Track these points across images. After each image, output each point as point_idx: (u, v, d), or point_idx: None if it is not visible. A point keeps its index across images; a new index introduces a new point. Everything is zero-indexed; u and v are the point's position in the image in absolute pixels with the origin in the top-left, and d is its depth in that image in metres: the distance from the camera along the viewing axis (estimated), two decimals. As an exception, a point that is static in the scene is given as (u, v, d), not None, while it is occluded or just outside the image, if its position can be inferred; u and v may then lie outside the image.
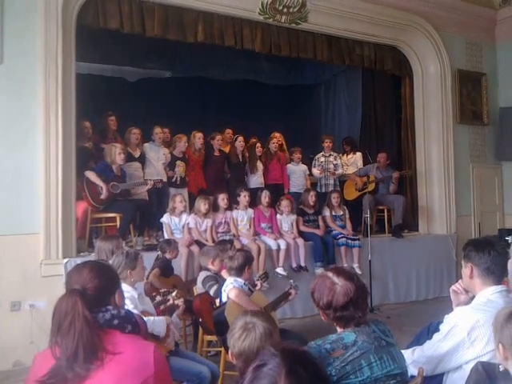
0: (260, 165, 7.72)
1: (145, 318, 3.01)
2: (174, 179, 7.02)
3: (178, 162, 7.07)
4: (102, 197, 6.02)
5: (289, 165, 8.10)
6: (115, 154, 6.25)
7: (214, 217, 6.47)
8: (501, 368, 1.97)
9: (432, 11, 8.35)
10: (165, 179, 6.90)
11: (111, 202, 6.13)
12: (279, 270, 6.48)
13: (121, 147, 6.40)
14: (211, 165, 7.43)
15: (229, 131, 8.31)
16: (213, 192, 6.84)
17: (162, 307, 3.64)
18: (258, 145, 7.75)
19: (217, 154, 7.51)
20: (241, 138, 7.63)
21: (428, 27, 8.36)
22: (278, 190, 7.57)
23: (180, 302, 3.68)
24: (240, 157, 7.64)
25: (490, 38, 9.20)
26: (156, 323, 3.28)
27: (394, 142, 9.46)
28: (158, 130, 7.07)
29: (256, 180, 7.63)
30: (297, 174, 8.08)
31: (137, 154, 6.85)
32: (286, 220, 6.94)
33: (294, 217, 7.00)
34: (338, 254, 6.97)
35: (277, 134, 8.19)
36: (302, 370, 1.19)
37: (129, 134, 6.88)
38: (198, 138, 7.28)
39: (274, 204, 6.98)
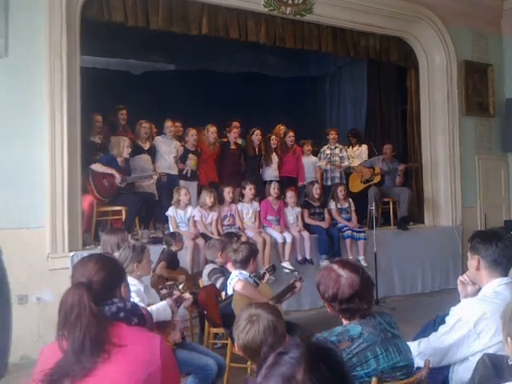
0: (275, 157, 7.72)
1: (148, 309, 3.03)
2: (184, 172, 7.04)
3: (190, 155, 7.09)
4: (117, 181, 6.05)
5: (301, 158, 8.11)
6: (123, 146, 6.28)
7: (220, 210, 6.47)
8: (510, 361, 1.96)
9: (438, 2, 8.28)
10: (176, 172, 6.94)
11: (116, 195, 6.15)
12: (285, 264, 6.48)
13: (129, 141, 6.43)
14: (228, 158, 7.46)
15: (236, 124, 8.29)
16: (225, 185, 6.84)
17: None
18: (273, 137, 7.74)
19: (233, 147, 7.54)
20: (258, 132, 7.61)
21: (434, 18, 8.29)
22: (291, 183, 7.57)
23: (188, 294, 3.68)
24: (257, 150, 7.64)
25: (496, 28, 9.13)
26: (160, 310, 3.30)
27: (399, 134, 9.43)
28: (169, 123, 7.09)
29: (271, 173, 7.64)
30: (307, 166, 8.09)
31: (146, 146, 6.87)
32: (292, 212, 6.94)
33: (298, 209, 7.00)
34: (343, 247, 6.97)
35: (281, 127, 8.15)
36: (323, 367, 1.14)
37: (139, 127, 6.89)
38: (212, 131, 7.29)
39: (280, 197, 6.97)
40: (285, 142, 7.91)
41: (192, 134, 7.15)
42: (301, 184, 7.83)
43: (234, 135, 7.54)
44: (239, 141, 7.86)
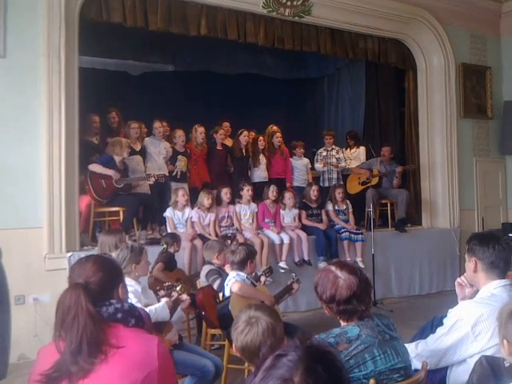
0: (263, 158, 7.70)
1: (147, 309, 3.03)
2: (174, 173, 7.02)
3: (180, 157, 7.07)
4: (115, 182, 6.04)
5: (290, 159, 8.09)
6: (125, 146, 6.31)
7: (217, 211, 6.47)
8: (506, 364, 1.96)
9: (436, 4, 8.30)
10: (166, 173, 6.90)
11: (114, 195, 6.15)
12: (281, 264, 6.47)
13: (128, 142, 6.45)
14: (214, 159, 7.43)
15: (226, 124, 8.27)
16: (216, 186, 6.84)
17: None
18: (261, 138, 7.72)
19: (219, 147, 7.51)
20: (245, 133, 7.59)
21: (432, 20, 8.30)
22: (281, 185, 7.54)
23: (185, 296, 3.68)
24: (244, 151, 7.61)
25: (495, 31, 9.14)
26: (158, 311, 3.31)
27: (397, 136, 9.43)
28: (157, 124, 7.07)
29: (260, 174, 7.61)
30: (299, 168, 8.07)
31: (137, 147, 6.86)
32: (289, 214, 6.93)
33: (296, 211, 7.00)
34: (341, 248, 6.97)
35: (275, 128, 8.14)
36: (321, 370, 1.13)
37: (128, 128, 6.89)
38: (200, 132, 7.26)
39: (278, 199, 6.95)
40: (272, 143, 7.87)
41: (179, 135, 7.13)
42: (288, 185, 7.80)
43: (220, 136, 7.49)
44: (227, 141, 7.83)
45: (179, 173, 7.05)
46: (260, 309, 2.15)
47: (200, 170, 7.26)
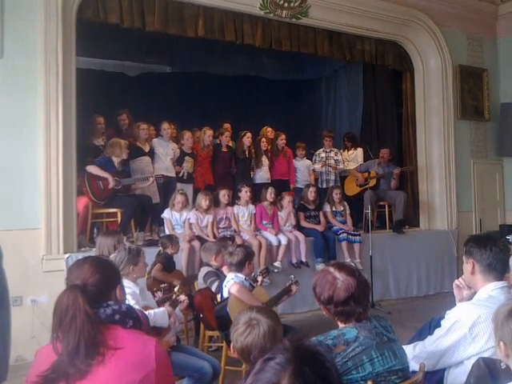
0: (266, 160, 7.71)
1: (145, 312, 3.01)
2: (181, 174, 7.03)
3: (187, 158, 7.10)
4: (110, 186, 6.03)
5: (293, 160, 8.10)
6: (124, 147, 6.30)
7: (215, 212, 6.46)
8: (502, 365, 1.96)
9: (433, 6, 8.33)
10: (173, 174, 6.93)
11: (112, 197, 6.13)
12: (276, 264, 6.47)
13: (126, 143, 6.43)
14: (219, 161, 7.46)
15: (227, 126, 8.27)
16: (220, 188, 6.83)
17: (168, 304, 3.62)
18: (264, 140, 7.74)
19: (224, 149, 7.53)
20: (249, 134, 7.60)
21: (429, 22, 8.33)
22: (283, 186, 7.57)
23: (183, 297, 3.67)
24: (246, 152, 7.62)
25: (492, 33, 9.18)
26: (157, 316, 3.28)
27: (394, 138, 9.42)
28: (165, 125, 7.08)
29: (262, 175, 7.64)
30: (301, 169, 8.09)
31: (146, 148, 6.86)
32: (288, 216, 6.93)
33: (294, 212, 7.00)
34: (339, 250, 6.96)
35: (268, 129, 8.17)
36: (309, 372, 1.11)
37: (137, 129, 6.87)
38: (208, 135, 7.31)
39: (276, 201, 6.95)
40: (276, 145, 7.90)
41: (187, 137, 7.17)
42: (292, 187, 7.82)
43: (225, 139, 7.52)
44: (230, 143, 7.86)
45: (186, 174, 7.07)
46: (261, 311, 2.15)
47: (204, 172, 7.30)
